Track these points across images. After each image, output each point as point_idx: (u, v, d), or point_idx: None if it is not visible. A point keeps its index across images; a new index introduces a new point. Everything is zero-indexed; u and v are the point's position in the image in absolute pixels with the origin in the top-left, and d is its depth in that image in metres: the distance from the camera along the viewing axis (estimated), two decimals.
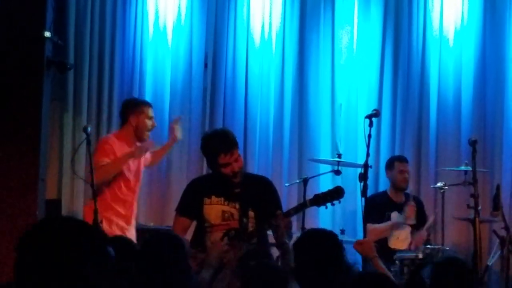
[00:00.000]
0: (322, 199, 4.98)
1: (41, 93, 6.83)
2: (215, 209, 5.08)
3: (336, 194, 4.97)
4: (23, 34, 6.72)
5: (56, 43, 7.09)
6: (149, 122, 6.05)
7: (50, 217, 2.73)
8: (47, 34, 6.83)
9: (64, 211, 7.27)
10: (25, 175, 6.68)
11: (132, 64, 7.60)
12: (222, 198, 5.08)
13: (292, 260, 4.49)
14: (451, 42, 7.64)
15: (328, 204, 4.99)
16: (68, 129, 7.42)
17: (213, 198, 5.09)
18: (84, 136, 5.58)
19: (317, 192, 5.04)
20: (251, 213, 5.07)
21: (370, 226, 6.25)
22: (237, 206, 5.06)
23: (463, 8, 7.63)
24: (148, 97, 7.53)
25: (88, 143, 5.55)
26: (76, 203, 7.31)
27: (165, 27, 7.66)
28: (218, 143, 4.98)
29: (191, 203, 5.14)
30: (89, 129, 5.64)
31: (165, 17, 7.65)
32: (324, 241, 3.87)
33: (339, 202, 5.42)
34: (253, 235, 5.03)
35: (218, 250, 4.92)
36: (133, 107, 6.09)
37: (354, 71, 7.66)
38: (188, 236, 5.16)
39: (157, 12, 7.63)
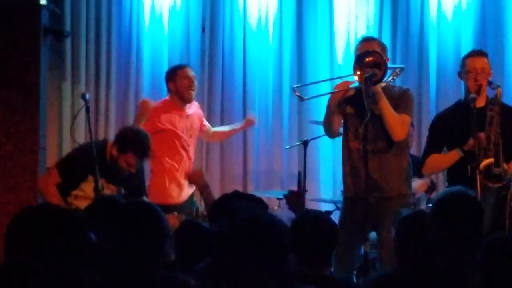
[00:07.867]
0: None
1: (39, 62, 6.79)
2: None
3: None
4: (19, 2, 6.68)
5: (52, 11, 7.04)
6: (185, 82, 6.33)
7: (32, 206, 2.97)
8: (43, 1, 6.77)
9: None
10: (25, 144, 6.69)
11: (129, 28, 7.58)
12: None
13: None
14: (449, 17, 7.58)
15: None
16: (67, 97, 7.43)
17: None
18: (83, 103, 5.62)
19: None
20: None
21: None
22: None
23: None
24: (146, 60, 7.55)
25: (87, 110, 5.59)
26: None
27: None
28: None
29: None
30: (87, 95, 5.69)
31: None
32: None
33: None
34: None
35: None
36: (167, 75, 6.49)
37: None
38: None
39: None
